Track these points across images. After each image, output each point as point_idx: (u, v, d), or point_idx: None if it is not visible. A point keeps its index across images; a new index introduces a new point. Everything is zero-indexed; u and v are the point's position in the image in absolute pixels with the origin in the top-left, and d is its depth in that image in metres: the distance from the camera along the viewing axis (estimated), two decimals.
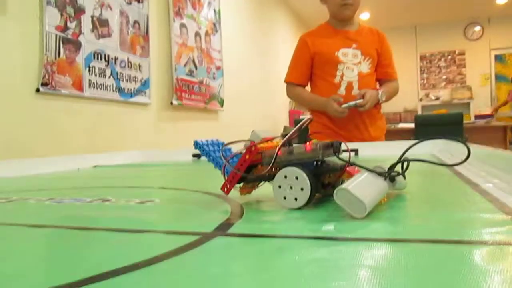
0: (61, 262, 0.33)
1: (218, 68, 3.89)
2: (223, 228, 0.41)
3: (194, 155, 1.85)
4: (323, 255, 0.31)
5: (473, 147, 1.19)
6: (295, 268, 0.28)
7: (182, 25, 3.31)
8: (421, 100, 8.22)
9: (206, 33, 3.70)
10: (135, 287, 0.26)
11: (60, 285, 0.26)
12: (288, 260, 0.30)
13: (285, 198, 0.49)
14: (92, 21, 2.35)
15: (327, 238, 0.37)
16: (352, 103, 1.72)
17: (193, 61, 3.45)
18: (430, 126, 4.90)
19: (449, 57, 8.26)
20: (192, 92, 3.42)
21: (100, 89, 2.41)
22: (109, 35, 2.49)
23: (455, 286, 0.24)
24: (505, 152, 0.85)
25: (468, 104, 7.85)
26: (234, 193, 0.56)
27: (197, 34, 3.54)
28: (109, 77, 2.49)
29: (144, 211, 0.53)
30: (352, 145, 1.41)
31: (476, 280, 0.24)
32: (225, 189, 0.54)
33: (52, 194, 0.74)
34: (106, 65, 2.46)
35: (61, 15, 2.14)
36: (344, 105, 1.72)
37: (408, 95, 7.92)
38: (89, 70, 2.32)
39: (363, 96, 1.71)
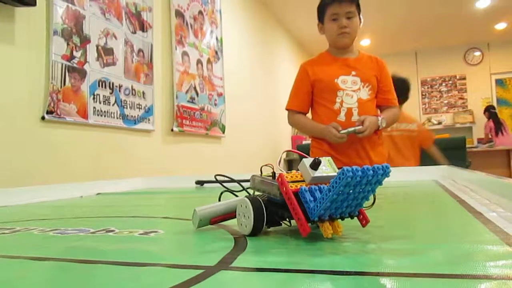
0: None
1: (220, 94, 3.93)
2: (227, 261, 0.41)
3: (198, 182, 1.85)
4: None
5: (477, 173, 1.19)
6: None
7: (184, 53, 3.37)
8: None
9: (208, 61, 3.76)
10: None
11: None
12: None
13: (241, 225, 0.54)
14: (97, 50, 2.40)
15: (336, 273, 0.37)
16: (351, 129, 1.74)
17: (195, 88, 3.48)
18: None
19: (450, 81, 8.32)
20: (193, 118, 3.44)
21: (105, 116, 2.44)
22: (113, 63, 2.53)
23: None
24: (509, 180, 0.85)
25: (471, 128, 7.87)
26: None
27: (199, 61, 3.59)
28: (114, 104, 2.51)
29: (148, 243, 0.53)
30: None
31: None
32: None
33: (56, 223, 0.74)
34: (111, 93, 2.49)
35: (67, 44, 2.18)
36: (343, 131, 1.74)
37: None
38: (93, 98, 2.35)
39: (362, 123, 1.73)
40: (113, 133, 2.53)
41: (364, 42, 7.46)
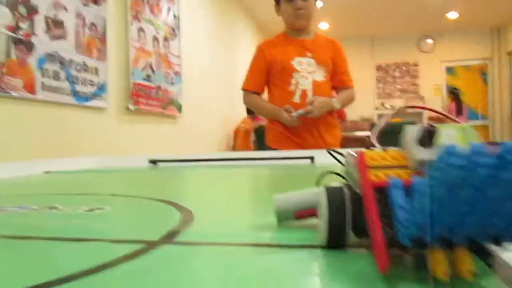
0: None
1: (176, 73, 3.86)
2: (171, 236, 0.41)
3: (151, 161, 1.82)
4: (267, 263, 0.32)
5: None
6: (236, 276, 0.29)
7: (140, 29, 3.27)
8: (377, 109, 8.47)
9: (165, 38, 3.67)
10: None
11: None
12: (232, 268, 0.31)
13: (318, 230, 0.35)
14: (46, 22, 2.28)
15: (273, 246, 0.37)
16: (301, 111, 1.76)
17: (151, 65, 3.40)
18: (385, 134, 5.05)
19: (404, 68, 8.57)
20: (150, 97, 3.37)
21: (54, 92, 2.34)
22: (64, 36, 2.42)
23: None
24: None
25: (421, 113, 8.17)
26: (186, 199, 0.56)
27: (155, 38, 3.50)
28: (64, 80, 2.41)
29: (91, 219, 0.52)
30: (307, 153, 1.44)
31: None
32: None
33: None
34: (61, 68, 2.39)
35: (13, 14, 2.06)
36: (294, 114, 1.76)
37: (365, 104, 8.14)
38: (42, 73, 2.24)
39: (312, 104, 1.76)
40: (63, 110, 2.44)
41: (323, 26, 7.52)
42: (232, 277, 0.29)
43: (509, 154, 0.20)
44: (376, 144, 0.36)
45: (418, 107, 0.48)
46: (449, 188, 0.22)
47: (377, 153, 0.30)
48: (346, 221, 0.31)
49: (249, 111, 4.98)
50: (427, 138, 0.29)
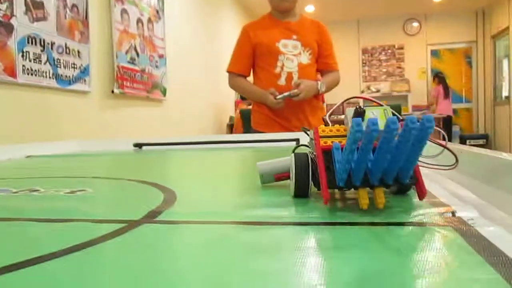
0: None
1: (161, 56, 3.81)
2: (152, 216, 0.41)
3: (136, 145, 1.81)
4: (249, 239, 0.32)
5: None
6: (216, 252, 0.29)
7: (124, 11, 3.21)
8: (362, 92, 8.49)
9: (149, 20, 3.61)
10: (48, 277, 0.25)
11: None
12: (212, 245, 0.31)
13: (289, 184, 0.48)
14: (26, 2, 2.22)
15: (254, 223, 0.37)
16: (286, 94, 1.76)
17: (135, 48, 3.35)
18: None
19: (389, 51, 8.58)
20: (134, 80, 3.33)
21: (36, 75, 2.29)
22: (44, 18, 2.37)
23: None
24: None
25: (406, 96, 8.22)
26: (170, 181, 0.56)
27: (139, 20, 3.44)
28: (46, 63, 2.37)
29: (73, 201, 0.52)
30: (293, 135, 1.44)
31: None
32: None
33: None
34: (42, 50, 2.34)
35: None
36: (279, 96, 1.76)
37: (351, 87, 8.16)
38: (22, 55, 2.19)
39: (298, 86, 1.75)
40: (45, 93, 2.40)
41: (309, 8, 7.46)
42: (213, 254, 0.29)
43: (393, 124, 0.32)
44: (329, 122, 0.47)
45: (357, 97, 0.63)
46: (355, 145, 0.34)
47: (327, 128, 0.43)
48: (308, 177, 0.44)
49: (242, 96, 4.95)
50: (358, 116, 0.40)
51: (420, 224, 0.35)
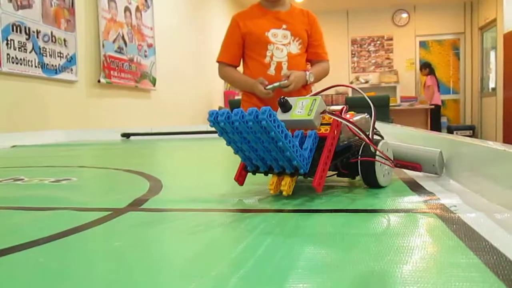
0: None
1: (150, 45, 3.77)
2: (137, 204, 0.40)
3: (124, 135, 1.80)
4: (231, 226, 0.32)
5: (397, 127, 1.26)
6: (198, 238, 0.29)
7: None
8: (351, 83, 8.52)
9: (137, 9, 3.56)
10: (31, 264, 0.25)
11: None
12: (195, 232, 0.31)
13: None
14: None
15: (239, 211, 0.37)
16: (276, 84, 1.75)
17: (123, 37, 3.31)
18: (359, 108, 5.09)
19: (378, 42, 8.61)
20: (122, 70, 3.29)
21: (21, 64, 2.25)
22: (29, 6, 2.32)
23: None
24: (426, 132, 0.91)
25: (395, 87, 8.26)
26: (157, 170, 0.55)
27: (127, 9, 3.39)
28: (31, 51, 2.33)
29: (58, 189, 0.51)
30: None
31: None
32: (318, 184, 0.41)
33: None
34: (27, 39, 2.30)
35: None
36: (269, 86, 1.75)
37: (339, 78, 8.17)
38: (7, 44, 2.15)
39: (288, 77, 1.75)
40: (31, 82, 2.36)
41: None
42: (195, 240, 0.29)
43: (239, 116, 0.37)
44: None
45: (338, 85, 0.65)
46: (226, 134, 0.40)
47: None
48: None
49: None
50: (284, 106, 0.42)
51: (405, 211, 0.35)
